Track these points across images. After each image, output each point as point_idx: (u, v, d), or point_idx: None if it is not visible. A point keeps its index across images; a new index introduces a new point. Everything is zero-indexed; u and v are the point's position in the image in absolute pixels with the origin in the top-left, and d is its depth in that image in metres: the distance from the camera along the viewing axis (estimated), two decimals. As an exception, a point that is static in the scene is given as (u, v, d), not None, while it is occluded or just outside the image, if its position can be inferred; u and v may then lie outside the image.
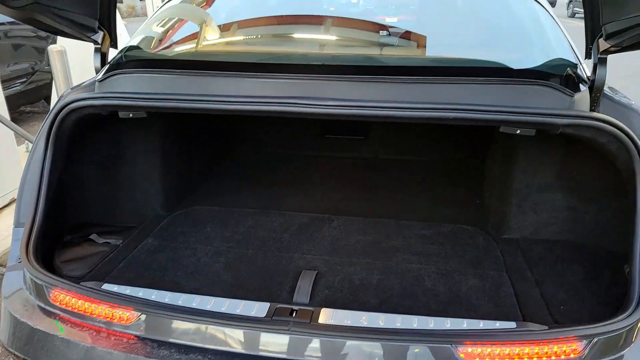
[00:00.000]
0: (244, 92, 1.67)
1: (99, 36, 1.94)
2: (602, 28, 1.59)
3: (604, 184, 1.86)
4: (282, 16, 2.32)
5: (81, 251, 1.94)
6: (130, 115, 1.79)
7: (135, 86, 1.81)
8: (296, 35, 2.28)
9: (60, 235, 1.91)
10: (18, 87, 5.45)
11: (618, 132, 1.54)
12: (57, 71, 4.32)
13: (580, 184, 1.92)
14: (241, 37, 2.25)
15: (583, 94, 1.69)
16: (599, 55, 1.64)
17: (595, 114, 1.55)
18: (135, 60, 1.94)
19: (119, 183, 2.17)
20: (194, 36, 2.23)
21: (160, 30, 2.28)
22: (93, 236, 2.04)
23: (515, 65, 1.77)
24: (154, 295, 1.57)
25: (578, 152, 1.86)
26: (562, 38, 2.07)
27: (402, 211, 2.26)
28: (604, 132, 1.55)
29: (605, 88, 1.78)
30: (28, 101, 5.98)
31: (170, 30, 2.26)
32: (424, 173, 2.66)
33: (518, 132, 1.61)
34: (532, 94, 1.60)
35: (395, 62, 1.83)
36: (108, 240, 2.03)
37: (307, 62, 1.79)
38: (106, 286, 1.65)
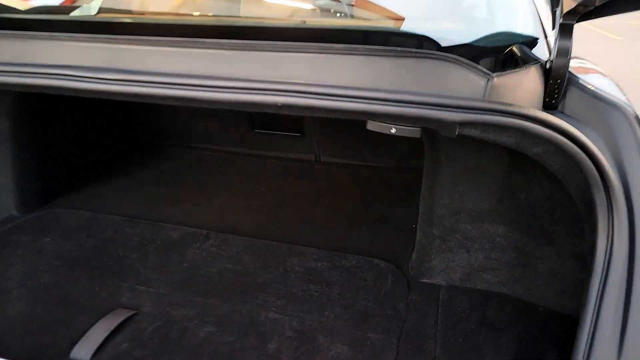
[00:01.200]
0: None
1: None
2: None
3: (567, 217, 1.24)
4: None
5: None
6: None
7: None
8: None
9: None
10: None
11: (558, 138, 0.94)
12: None
13: (532, 215, 1.30)
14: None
15: (522, 77, 1.08)
16: (561, 21, 1.04)
17: (512, 107, 0.95)
18: None
19: None
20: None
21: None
22: None
23: (440, 37, 1.19)
24: None
25: (526, 165, 1.25)
26: (531, 6, 1.44)
27: (307, 233, 1.71)
28: (533, 137, 0.96)
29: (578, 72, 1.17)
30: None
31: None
32: (368, 184, 2.08)
33: (393, 131, 1.03)
34: (422, 72, 1.02)
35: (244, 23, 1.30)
36: None
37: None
38: None
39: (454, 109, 0.94)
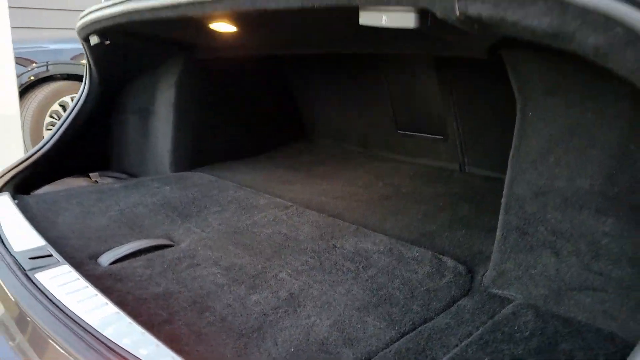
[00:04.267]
0: None
1: None
2: None
3: None
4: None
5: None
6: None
7: None
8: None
9: None
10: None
11: (634, 15, 0.57)
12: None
13: None
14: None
15: None
16: None
17: None
18: None
19: (147, 136, 2.16)
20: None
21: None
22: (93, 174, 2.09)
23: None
24: None
25: None
26: None
27: (391, 222, 1.44)
28: (582, 12, 0.60)
29: None
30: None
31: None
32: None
33: (384, 21, 0.78)
34: None
35: None
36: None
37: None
38: None
39: None
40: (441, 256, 1.19)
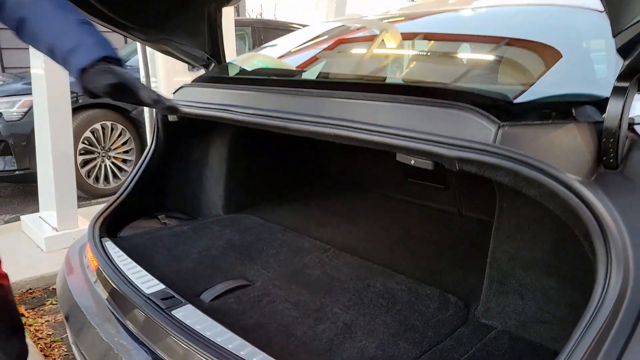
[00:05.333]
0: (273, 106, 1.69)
1: (210, 65, 2.50)
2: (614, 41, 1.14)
3: None
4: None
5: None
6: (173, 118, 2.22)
7: (189, 95, 2.21)
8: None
9: None
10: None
11: (548, 181, 1.06)
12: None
13: (582, 271, 1.29)
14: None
15: (551, 130, 1.20)
16: (614, 83, 1.16)
17: (502, 149, 1.10)
18: (210, 76, 2.37)
19: (201, 183, 2.65)
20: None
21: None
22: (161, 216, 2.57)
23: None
24: None
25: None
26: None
27: (408, 265, 1.93)
28: (525, 179, 1.09)
29: None
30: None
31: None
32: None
33: (412, 162, 1.27)
34: (444, 118, 1.25)
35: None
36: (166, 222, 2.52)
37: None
38: None
39: (451, 147, 1.15)
40: (446, 293, 1.68)
